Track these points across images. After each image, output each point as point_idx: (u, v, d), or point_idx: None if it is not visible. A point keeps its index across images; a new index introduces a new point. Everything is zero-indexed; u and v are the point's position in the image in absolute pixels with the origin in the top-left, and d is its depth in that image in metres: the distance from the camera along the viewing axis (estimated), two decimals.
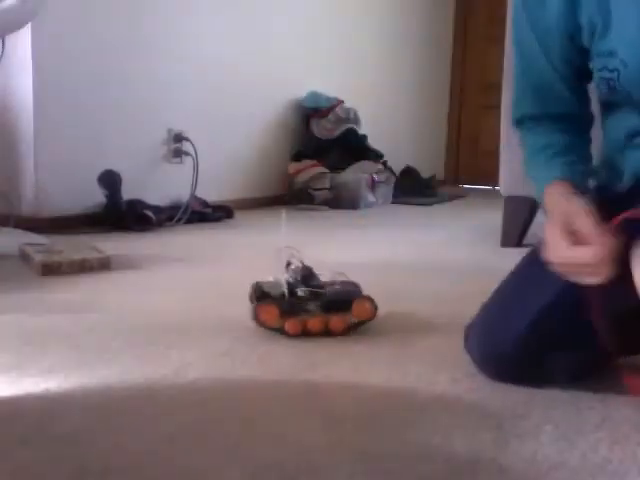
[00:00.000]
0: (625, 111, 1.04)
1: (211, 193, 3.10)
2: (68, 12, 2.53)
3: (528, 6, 1.06)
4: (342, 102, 3.89)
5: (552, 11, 1.02)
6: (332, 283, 1.32)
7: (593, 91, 1.09)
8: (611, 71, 0.98)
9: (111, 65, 2.72)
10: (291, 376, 1.07)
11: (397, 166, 4.29)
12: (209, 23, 3.18)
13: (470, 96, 5.45)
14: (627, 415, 0.92)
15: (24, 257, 1.92)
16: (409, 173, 4.41)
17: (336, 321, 1.23)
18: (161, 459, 0.78)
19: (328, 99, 3.84)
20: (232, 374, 1.07)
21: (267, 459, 0.79)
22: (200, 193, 2.99)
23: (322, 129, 3.82)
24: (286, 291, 1.27)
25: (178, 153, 3.04)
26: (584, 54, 1.04)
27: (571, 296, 0.96)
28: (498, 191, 2.49)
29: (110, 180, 2.60)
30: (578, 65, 1.06)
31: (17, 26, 2.12)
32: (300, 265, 1.31)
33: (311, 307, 1.27)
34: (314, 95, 3.83)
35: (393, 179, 4.08)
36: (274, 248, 1.31)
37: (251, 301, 1.33)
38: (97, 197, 2.62)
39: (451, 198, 4.36)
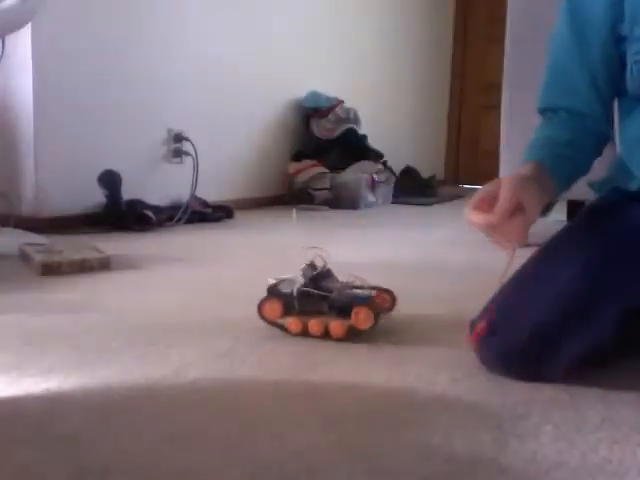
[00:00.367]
0: None
1: (211, 193, 3.10)
2: (68, 12, 2.53)
3: None
4: (342, 102, 3.89)
5: (599, 1, 1.06)
6: (346, 286, 1.29)
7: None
8: None
9: (111, 65, 2.72)
10: (291, 376, 1.07)
11: (397, 166, 4.29)
12: (209, 23, 3.19)
13: (470, 96, 5.46)
14: (627, 415, 0.92)
15: (24, 257, 1.92)
16: (409, 173, 4.41)
17: (335, 325, 1.23)
18: (161, 459, 0.78)
19: (328, 99, 3.84)
20: (232, 374, 1.07)
21: (267, 459, 0.79)
22: (200, 193, 2.99)
23: (322, 129, 3.82)
24: (295, 289, 1.26)
25: (178, 153, 3.04)
26: (620, 45, 1.06)
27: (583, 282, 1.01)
28: None
29: (110, 180, 2.60)
30: (611, 62, 1.08)
31: (17, 26, 2.12)
32: (320, 265, 1.29)
33: (317, 308, 1.26)
34: (314, 95, 3.83)
35: (393, 179, 4.08)
36: (301, 248, 1.29)
37: None
38: (97, 197, 2.62)
39: (451, 198, 4.36)
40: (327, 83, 3.93)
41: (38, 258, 1.80)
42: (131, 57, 2.81)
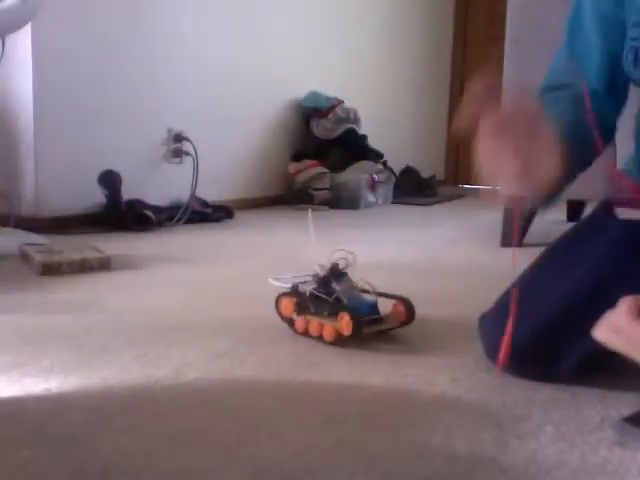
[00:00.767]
0: None
1: (211, 193, 3.10)
2: (68, 12, 2.53)
3: None
4: (342, 102, 3.89)
5: None
6: (353, 290, 1.27)
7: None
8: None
9: (111, 65, 2.72)
10: (291, 376, 1.07)
11: (397, 166, 4.29)
12: (209, 23, 3.18)
13: None
14: (626, 415, 0.92)
15: (24, 257, 1.92)
16: (409, 173, 4.41)
17: (327, 328, 1.22)
18: (161, 459, 0.78)
19: (328, 99, 3.84)
20: (232, 374, 1.07)
21: (267, 459, 0.79)
22: (200, 193, 2.99)
23: (322, 129, 3.82)
24: (307, 290, 1.27)
25: (178, 153, 3.04)
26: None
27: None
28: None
29: (110, 180, 2.60)
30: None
31: (17, 26, 2.12)
32: (332, 267, 1.29)
33: (323, 310, 1.25)
34: (314, 95, 3.83)
35: (393, 179, 4.08)
36: (333, 250, 1.28)
37: None
38: (97, 197, 2.62)
39: (451, 198, 4.36)
40: (327, 83, 3.93)
41: (38, 258, 1.80)
42: (131, 57, 2.81)
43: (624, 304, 0.80)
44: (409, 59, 4.95)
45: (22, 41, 2.41)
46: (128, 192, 2.66)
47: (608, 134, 1.11)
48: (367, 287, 1.29)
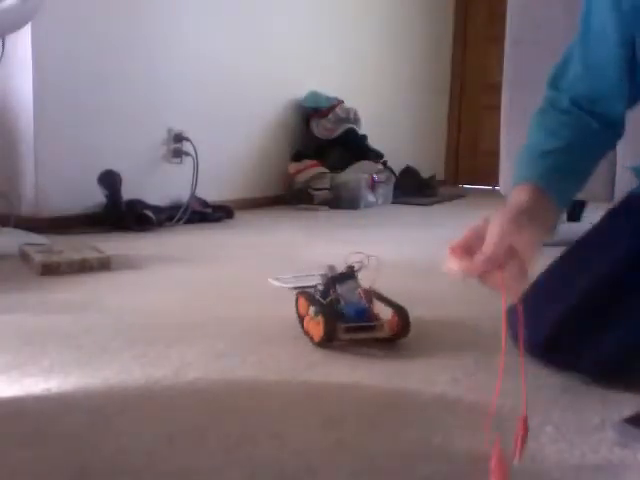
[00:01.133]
0: None
1: (211, 193, 3.10)
2: (68, 12, 2.53)
3: None
4: (342, 102, 3.89)
5: None
6: (354, 294, 1.25)
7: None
8: None
9: (111, 65, 2.72)
10: (291, 376, 1.07)
11: (397, 166, 4.29)
12: (209, 23, 3.19)
13: (470, 96, 5.46)
14: (626, 415, 0.92)
15: (24, 257, 1.92)
16: (409, 173, 4.41)
17: (316, 330, 1.22)
18: (161, 459, 0.78)
19: (328, 99, 3.84)
20: (232, 374, 1.07)
21: (267, 459, 0.79)
22: (200, 193, 2.99)
23: (322, 129, 3.82)
24: (318, 291, 1.27)
25: (178, 153, 3.04)
26: None
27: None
28: (498, 191, 2.49)
29: (110, 180, 2.60)
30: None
31: (17, 26, 2.12)
32: (354, 270, 1.28)
33: (317, 311, 1.25)
34: (314, 95, 3.83)
35: (393, 179, 4.08)
36: (349, 253, 1.28)
37: None
38: (97, 197, 2.62)
39: (451, 198, 4.36)
40: (327, 83, 3.93)
41: (38, 258, 1.80)
42: (131, 57, 2.81)
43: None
44: (409, 59, 4.95)
45: (22, 41, 2.41)
46: (128, 192, 2.66)
47: (616, 134, 1.09)
48: (375, 291, 1.28)
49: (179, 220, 2.77)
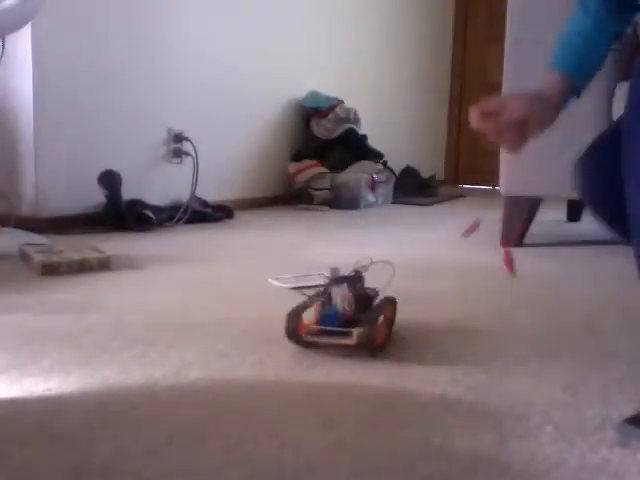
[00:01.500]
0: None
1: (211, 193, 3.10)
2: (68, 12, 2.53)
3: None
4: (342, 102, 3.89)
5: None
6: (345, 298, 1.23)
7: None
8: None
9: (111, 65, 2.72)
10: (291, 376, 1.07)
11: (397, 166, 4.29)
12: (209, 23, 3.19)
13: (470, 96, 5.46)
14: (627, 416, 0.92)
15: (24, 257, 1.92)
16: (409, 173, 4.41)
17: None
18: (161, 459, 0.78)
19: (328, 99, 3.84)
20: (232, 374, 1.07)
21: (267, 459, 0.79)
22: (200, 193, 2.99)
23: (322, 129, 3.82)
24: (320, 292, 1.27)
25: (178, 153, 3.04)
26: None
27: None
28: (498, 191, 2.49)
29: (110, 180, 2.60)
30: None
31: (17, 26, 2.12)
32: (351, 273, 1.28)
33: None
34: (314, 95, 3.83)
35: (393, 179, 4.08)
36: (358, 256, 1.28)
37: None
38: (97, 197, 2.62)
39: (451, 198, 4.37)
40: (327, 83, 3.94)
41: (38, 258, 1.80)
42: (131, 57, 2.81)
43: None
44: (409, 59, 4.96)
45: (22, 41, 2.42)
46: (128, 192, 2.66)
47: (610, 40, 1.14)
48: (374, 296, 1.27)
49: (179, 220, 2.77)
